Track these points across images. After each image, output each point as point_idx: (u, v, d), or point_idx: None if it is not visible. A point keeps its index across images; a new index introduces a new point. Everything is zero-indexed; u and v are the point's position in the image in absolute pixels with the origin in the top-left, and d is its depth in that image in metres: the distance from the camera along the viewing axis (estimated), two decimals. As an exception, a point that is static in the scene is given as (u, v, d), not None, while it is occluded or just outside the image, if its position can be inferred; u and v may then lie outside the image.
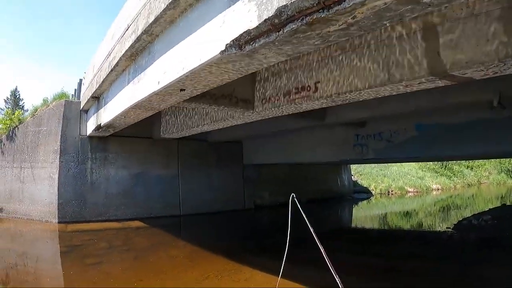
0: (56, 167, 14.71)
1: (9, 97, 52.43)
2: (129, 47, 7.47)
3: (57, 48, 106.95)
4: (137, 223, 14.66)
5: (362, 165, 33.25)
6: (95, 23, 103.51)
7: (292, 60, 7.44)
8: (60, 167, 14.68)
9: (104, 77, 10.06)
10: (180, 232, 13.80)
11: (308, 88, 7.18)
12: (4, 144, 16.84)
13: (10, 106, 45.34)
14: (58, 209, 14.35)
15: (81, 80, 16.41)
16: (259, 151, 18.93)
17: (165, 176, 16.95)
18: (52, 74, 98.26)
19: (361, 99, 6.82)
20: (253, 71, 5.29)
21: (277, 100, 8.06)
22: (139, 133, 15.84)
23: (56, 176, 14.63)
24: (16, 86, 64.71)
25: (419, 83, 5.39)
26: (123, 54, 8.00)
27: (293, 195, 5.07)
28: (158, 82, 6.41)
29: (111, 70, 9.28)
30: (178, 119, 12.93)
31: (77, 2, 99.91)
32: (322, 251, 4.27)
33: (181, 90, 6.32)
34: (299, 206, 4.89)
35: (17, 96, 52.84)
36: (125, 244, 11.91)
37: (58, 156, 14.76)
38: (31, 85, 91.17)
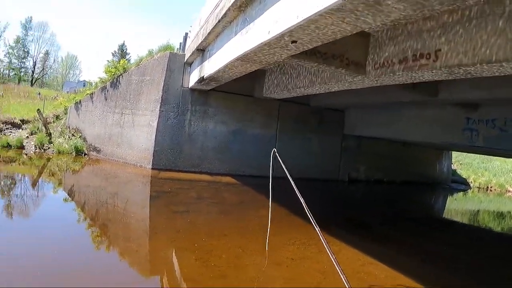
0: (156, 115, 15.26)
1: (116, 50, 55.29)
2: (239, -4, 7.32)
3: (164, 8, 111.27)
4: (228, 179, 14.95)
5: (463, 154, 31.41)
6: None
7: (412, 24, 6.91)
8: (160, 116, 15.21)
9: (211, 28, 10.04)
10: (268, 193, 13.63)
11: (428, 56, 6.61)
12: (108, 90, 17.65)
13: (117, 59, 47.58)
14: (153, 155, 14.97)
15: (186, 34, 16.66)
16: (361, 122, 18.26)
17: (262, 136, 17.02)
18: (158, 32, 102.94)
19: (483, 74, 6.15)
20: (375, 24, 4.86)
21: (392, 66, 7.56)
22: (240, 90, 16.00)
23: (155, 124, 15.19)
24: (124, 41, 68.93)
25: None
26: (232, 4, 7.84)
27: (274, 150, 4.90)
28: (269, 31, 6.17)
29: (218, 21, 9.20)
30: (283, 79, 12.74)
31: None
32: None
33: (292, 42, 6.04)
34: (280, 161, 4.75)
35: (124, 50, 55.65)
36: (214, 197, 12.16)
37: (158, 105, 15.28)
38: (138, 42, 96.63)
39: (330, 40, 5.74)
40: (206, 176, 14.93)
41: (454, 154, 30.10)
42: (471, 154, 30.58)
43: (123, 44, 58.92)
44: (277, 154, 5.10)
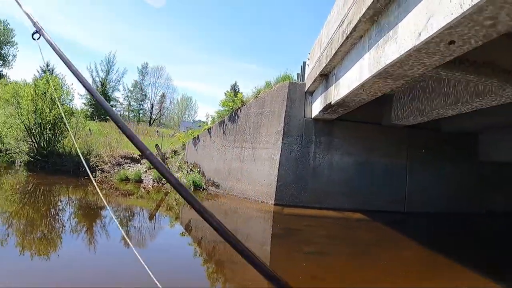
0: (278, 148, 14.80)
1: (229, 90, 58.15)
2: (371, 4, 6.58)
3: (266, 49, 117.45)
4: (357, 215, 13.83)
5: None
6: (300, 23, 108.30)
7: None
8: (282, 149, 14.73)
9: (336, 48, 9.39)
10: (405, 231, 12.22)
11: None
12: (226, 124, 17.73)
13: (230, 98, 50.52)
14: (276, 190, 14.43)
15: (304, 62, 16.31)
16: (501, 146, 15.85)
17: (391, 167, 15.65)
18: (263, 72, 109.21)
19: None
20: None
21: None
22: (366, 118, 15.01)
23: (278, 157, 14.72)
24: (236, 81, 73.68)
25: None
26: (363, 15, 7.15)
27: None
28: (419, 34, 5.31)
29: (346, 39, 8.52)
30: (415, 102, 11.68)
31: (281, 7, 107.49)
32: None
33: (450, 43, 5.12)
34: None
35: (237, 90, 58.32)
36: (346, 236, 11.17)
37: (280, 138, 14.84)
38: (246, 81, 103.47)
39: (496, 35, 4.77)
40: (333, 212, 13.93)
41: None
42: None
43: (235, 84, 63.00)
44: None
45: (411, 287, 6.51)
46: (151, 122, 72.87)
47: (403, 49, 5.90)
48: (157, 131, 35.58)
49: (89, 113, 54.79)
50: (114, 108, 69.77)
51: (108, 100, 67.12)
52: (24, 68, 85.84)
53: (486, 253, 10.50)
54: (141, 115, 75.88)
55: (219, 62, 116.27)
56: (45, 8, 79.63)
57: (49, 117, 19.43)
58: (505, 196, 17.14)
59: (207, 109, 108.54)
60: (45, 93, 19.51)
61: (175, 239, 9.60)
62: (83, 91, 66.84)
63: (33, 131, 19.62)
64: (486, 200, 16.82)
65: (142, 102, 76.44)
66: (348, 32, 8.19)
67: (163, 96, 77.92)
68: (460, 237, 12.38)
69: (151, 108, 76.88)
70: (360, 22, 7.49)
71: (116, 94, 72.80)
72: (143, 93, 75.18)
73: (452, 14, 4.48)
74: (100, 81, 67.13)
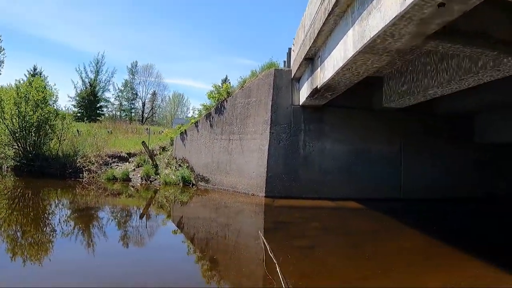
0: (266, 138, 14.33)
1: (220, 85, 58.43)
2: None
3: (259, 42, 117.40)
4: (352, 204, 13.38)
5: None
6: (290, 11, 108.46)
7: None
8: (271, 139, 14.27)
9: (319, 28, 8.97)
10: (403, 219, 11.67)
11: None
12: (212, 117, 17.33)
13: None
14: (266, 182, 13.99)
15: (289, 49, 15.85)
16: (498, 127, 15.10)
17: (385, 154, 15.19)
18: (256, 66, 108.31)
19: None
20: None
21: None
22: (357, 103, 14.61)
23: (266, 147, 14.26)
24: (226, 75, 74.59)
25: None
26: (344, -14, 6.66)
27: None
28: (404, -2, 4.76)
29: (328, 15, 8.06)
30: (405, 83, 11.12)
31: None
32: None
33: (439, 5, 4.57)
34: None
35: (228, 83, 58.84)
36: (341, 227, 10.68)
37: (268, 127, 14.37)
38: (239, 76, 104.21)
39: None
40: (327, 202, 13.44)
41: None
42: None
43: (226, 78, 63.43)
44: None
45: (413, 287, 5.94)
46: (143, 120, 72.94)
47: (388, 18, 5.40)
48: (147, 128, 35.11)
49: (79, 115, 54.83)
50: (105, 109, 70.22)
51: (99, 101, 67.31)
52: (13, 73, 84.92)
53: (490, 240, 9.97)
54: (133, 114, 76.18)
55: (210, 58, 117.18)
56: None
57: (32, 119, 18.97)
58: (506, 179, 16.55)
59: (198, 105, 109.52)
60: (27, 95, 18.99)
61: (170, 237, 9.21)
62: (73, 93, 67.18)
63: (17, 135, 19.21)
64: (486, 184, 16.22)
65: (134, 101, 77.09)
66: (330, 9, 7.74)
67: (154, 94, 78.64)
68: (460, 224, 11.84)
69: (143, 107, 77.88)
70: (342, -5, 6.98)
71: (107, 95, 73.30)
72: (134, 92, 75.99)
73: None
74: (89, 82, 67.13)
